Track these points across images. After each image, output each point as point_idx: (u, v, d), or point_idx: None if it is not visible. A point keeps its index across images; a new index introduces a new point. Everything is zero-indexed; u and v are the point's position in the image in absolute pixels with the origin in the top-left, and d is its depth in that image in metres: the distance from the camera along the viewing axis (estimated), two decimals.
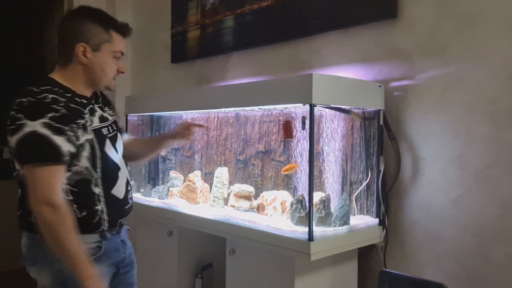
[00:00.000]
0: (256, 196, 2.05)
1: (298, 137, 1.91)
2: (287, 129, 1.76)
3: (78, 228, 1.29)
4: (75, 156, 1.28)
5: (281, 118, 2.03)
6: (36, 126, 1.21)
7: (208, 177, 2.34)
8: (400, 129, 1.83)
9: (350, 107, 1.74)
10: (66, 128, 1.25)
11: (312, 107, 1.53)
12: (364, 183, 1.84)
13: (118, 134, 1.49)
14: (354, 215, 1.84)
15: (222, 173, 2.09)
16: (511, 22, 1.55)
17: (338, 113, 1.81)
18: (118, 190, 1.40)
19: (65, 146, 1.24)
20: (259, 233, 1.69)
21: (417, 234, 1.78)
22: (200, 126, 1.81)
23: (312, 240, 1.54)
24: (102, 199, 1.35)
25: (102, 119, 1.41)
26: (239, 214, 1.92)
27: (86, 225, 1.32)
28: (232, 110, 2.17)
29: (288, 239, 1.60)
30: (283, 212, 1.86)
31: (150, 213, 2.24)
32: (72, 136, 1.26)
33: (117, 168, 1.41)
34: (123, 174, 1.44)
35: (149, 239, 2.35)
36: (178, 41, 2.84)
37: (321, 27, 2.05)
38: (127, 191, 1.44)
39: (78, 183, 1.31)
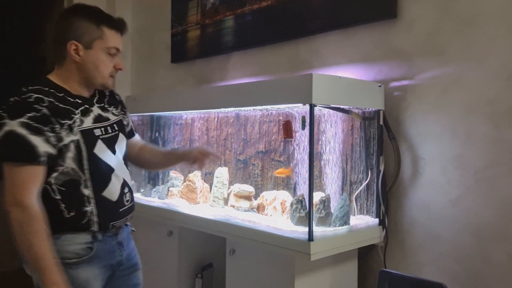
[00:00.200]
0: (256, 196, 2.05)
1: (298, 137, 1.91)
2: (287, 129, 1.75)
3: (67, 228, 1.29)
4: (59, 157, 1.27)
5: (281, 118, 2.03)
6: (14, 125, 1.20)
7: (208, 177, 2.34)
8: (400, 129, 1.83)
9: (350, 107, 1.74)
10: (45, 128, 1.23)
11: (312, 107, 1.53)
12: (364, 183, 1.84)
13: (121, 135, 1.45)
14: (354, 215, 1.84)
15: (222, 173, 2.09)
16: (510, 22, 1.55)
17: (338, 113, 1.81)
18: (111, 192, 1.36)
19: (42, 147, 1.22)
20: (259, 233, 1.70)
21: (417, 234, 1.79)
22: (217, 156, 1.68)
23: (312, 240, 1.54)
24: (92, 200, 1.32)
25: (100, 119, 1.38)
26: (239, 214, 1.92)
27: (75, 225, 1.30)
28: (232, 110, 2.18)
29: (288, 239, 1.60)
30: (283, 212, 1.86)
31: (150, 213, 2.24)
32: (51, 137, 1.24)
33: (110, 170, 1.37)
34: (118, 176, 1.39)
35: (149, 239, 2.35)
36: (178, 41, 2.84)
37: (321, 27, 2.05)
38: (122, 194, 1.40)
39: (67, 184, 1.29)
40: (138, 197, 2.40)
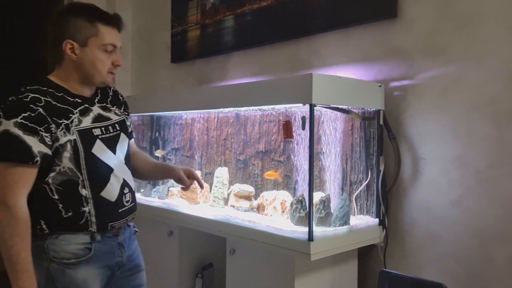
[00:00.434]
0: (256, 196, 2.05)
1: (298, 137, 1.91)
2: (287, 129, 1.75)
3: (65, 228, 1.28)
4: (55, 157, 1.26)
5: (281, 118, 2.03)
6: (9, 125, 1.20)
7: (208, 177, 2.34)
8: (400, 129, 1.82)
9: (350, 107, 1.74)
10: (40, 128, 1.22)
11: (312, 107, 1.53)
12: (364, 183, 1.84)
13: (123, 135, 1.43)
14: (354, 215, 1.84)
15: (222, 173, 2.09)
16: (511, 21, 1.55)
17: (338, 113, 1.81)
18: (109, 193, 1.35)
19: (37, 147, 1.22)
20: (259, 233, 1.69)
21: (417, 235, 1.78)
22: (201, 185, 1.62)
23: (312, 240, 1.54)
24: (90, 201, 1.31)
25: (100, 119, 1.37)
26: (239, 214, 1.91)
27: (73, 225, 1.30)
28: (232, 110, 2.17)
29: (288, 239, 1.60)
30: (283, 212, 1.86)
31: (150, 213, 2.24)
32: (46, 137, 1.23)
33: (109, 170, 1.35)
34: (118, 176, 1.38)
35: (150, 239, 2.35)
36: (178, 41, 2.83)
37: (321, 27, 2.05)
38: (122, 194, 1.38)
39: (64, 184, 1.29)
40: (138, 197, 2.40)
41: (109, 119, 1.40)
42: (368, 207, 1.85)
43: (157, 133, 2.58)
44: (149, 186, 2.49)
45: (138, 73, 3.25)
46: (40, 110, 1.23)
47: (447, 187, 1.70)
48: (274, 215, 1.88)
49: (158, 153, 2.52)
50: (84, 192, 1.31)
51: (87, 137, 1.32)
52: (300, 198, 1.73)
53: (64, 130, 1.27)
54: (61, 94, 1.31)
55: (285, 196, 1.91)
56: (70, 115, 1.30)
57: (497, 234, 1.58)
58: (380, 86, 1.78)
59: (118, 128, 1.42)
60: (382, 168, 1.80)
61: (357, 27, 1.95)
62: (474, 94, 1.63)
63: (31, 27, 4.12)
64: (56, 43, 1.33)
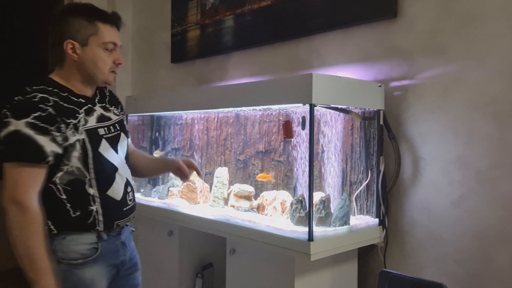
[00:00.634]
0: (256, 196, 2.05)
1: (297, 137, 1.91)
2: (287, 129, 1.75)
3: (72, 227, 1.29)
4: (64, 156, 1.27)
5: (281, 118, 2.03)
6: (20, 125, 1.20)
7: (208, 177, 2.34)
8: (400, 129, 1.82)
9: (350, 107, 1.74)
10: (51, 128, 1.23)
11: (312, 107, 1.53)
12: (364, 183, 1.84)
13: (122, 134, 1.45)
14: (354, 215, 1.84)
15: (222, 173, 2.09)
16: None
17: (338, 113, 1.80)
18: (115, 192, 1.37)
19: (49, 146, 1.22)
20: (259, 233, 1.69)
21: (418, 235, 1.78)
22: (199, 173, 1.62)
23: (312, 240, 1.53)
24: (97, 200, 1.33)
25: (102, 119, 1.39)
26: (239, 214, 1.91)
27: (80, 224, 1.31)
28: (232, 110, 2.17)
29: (288, 239, 1.59)
30: (283, 212, 1.86)
31: (150, 213, 2.24)
32: (58, 136, 1.24)
33: (114, 169, 1.38)
34: (122, 175, 1.41)
35: (150, 239, 2.35)
36: (178, 41, 2.83)
37: (321, 26, 2.05)
38: (126, 193, 1.41)
39: (72, 183, 1.29)
40: (138, 197, 2.40)
41: (110, 119, 1.42)
42: (368, 207, 1.85)
43: (157, 133, 2.58)
44: (149, 186, 2.49)
45: (138, 73, 3.25)
46: (50, 109, 1.24)
47: (448, 187, 1.70)
48: (274, 215, 1.88)
49: (157, 153, 2.52)
50: (92, 191, 1.32)
51: (94, 136, 1.33)
52: (300, 198, 1.73)
53: (72, 129, 1.28)
54: (66, 94, 1.32)
55: (285, 196, 1.91)
56: (77, 114, 1.31)
57: (498, 234, 1.57)
58: (380, 86, 1.78)
59: (118, 128, 1.44)
60: (382, 168, 1.80)
61: (357, 27, 1.94)
62: (475, 94, 1.63)
63: (31, 27, 4.12)
64: (56, 43, 1.33)
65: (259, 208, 1.97)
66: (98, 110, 1.39)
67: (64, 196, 1.29)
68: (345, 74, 1.93)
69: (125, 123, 1.51)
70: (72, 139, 1.28)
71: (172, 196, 2.27)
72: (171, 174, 2.36)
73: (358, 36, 1.95)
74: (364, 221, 1.80)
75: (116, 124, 1.44)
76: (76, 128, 1.29)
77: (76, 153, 1.29)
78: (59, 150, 1.25)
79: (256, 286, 1.78)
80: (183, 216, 2.06)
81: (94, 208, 1.32)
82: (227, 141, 2.31)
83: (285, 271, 1.66)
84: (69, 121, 1.28)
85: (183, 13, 2.78)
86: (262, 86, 1.78)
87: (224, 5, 2.50)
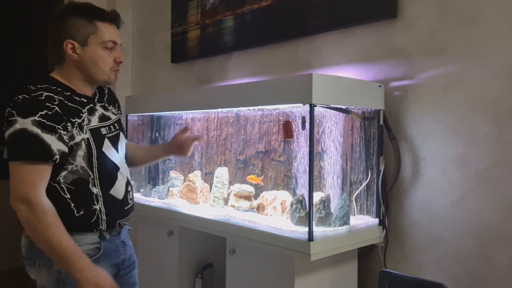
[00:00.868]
0: (256, 196, 2.05)
1: (298, 137, 1.91)
2: (287, 129, 1.75)
3: (76, 227, 1.29)
4: (69, 155, 1.27)
5: (281, 118, 2.03)
6: (26, 123, 1.20)
7: (208, 177, 2.34)
8: (400, 129, 1.82)
9: (350, 107, 1.74)
10: (58, 126, 1.23)
11: (312, 107, 1.53)
12: (364, 183, 1.84)
13: (121, 134, 1.46)
14: (354, 215, 1.84)
15: (222, 173, 2.09)
16: None
17: (338, 113, 1.80)
18: (117, 191, 1.38)
19: (56, 145, 1.23)
20: (259, 233, 1.69)
21: (418, 235, 1.78)
22: (195, 139, 1.69)
23: (312, 240, 1.53)
24: (100, 199, 1.34)
25: (103, 118, 1.39)
26: (239, 214, 1.91)
27: (84, 224, 1.31)
28: (232, 110, 2.17)
29: (288, 239, 1.59)
30: (283, 212, 1.86)
31: (150, 213, 2.24)
32: (64, 135, 1.24)
33: (116, 168, 1.39)
34: (123, 174, 1.42)
35: (150, 239, 2.35)
36: (178, 41, 2.83)
37: (321, 26, 2.05)
38: (127, 192, 1.43)
39: (75, 182, 1.30)
40: (138, 197, 2.40)
41: (109, 118, 1.43)
42: (368, 207, 1.85)
43: (157, 133, 2.58)
44: (149, 186, 2.49)
45: (138, 73, 3.25)
46: (56, 108, 1.24)
47: (448, 187, 1.70)
48: (274, 215, 1.88)
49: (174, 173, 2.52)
50: (95, 190, 1.33)
51: (97, 136, 1.34)
52: (300, 198, 1.73)
53: (78, 128, 1.29)
54: (69, 93, 1.32)
55: (285, 196, 1.91)
56: (81, 114, 1.32)
57: (498, 234, 1.57)
58: (380, 86, 1.78)
59: (117, 127, 1.45)
60: (382, 168, 1.80)
61: (357, 27, 1.94)
62: (474, 94, 1.63)
63: (31, 27, 4.12)
64: (56, 43, 1.33)
65: (259, 208, 1.97)
66: (99, 110, 1.40)
67: (68, 196, 1.29)
68: (345, 74, 1.93)
69: (121, 122, 1.52)
70: (77, 138, 1.28)
71: (172, 196, 2.27)
72: (171, 174, 2.36)
73: (358, 36, 1.95)
74: (364, 221, 1.80)
75: (115, 124, 1.45)
76: (81, 127, 1.30)
77: (81, 152, 1.29)
78: (65, 148, 1.25)
79: (256, 286, 1.78)
80: (183, 216, 2.06)
81: (97, 207, 1.33)
82: (227, 141, 2.31)
83: (285, 271, 1.66)
84: (74, 120, 1.28)
85: (183, 13, 2.78)
86: (262, 86, 1.78)
87: (224, 5, 2.50)
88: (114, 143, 1.41)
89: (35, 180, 1.22)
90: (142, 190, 2.52)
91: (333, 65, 2.03)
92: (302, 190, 1.90)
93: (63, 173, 1.28)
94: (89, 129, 1.32)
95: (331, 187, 1.87)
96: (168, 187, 2.32)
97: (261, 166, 2.14)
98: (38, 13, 4.04)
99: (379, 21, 1.87)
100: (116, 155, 1.40)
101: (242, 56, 2.46)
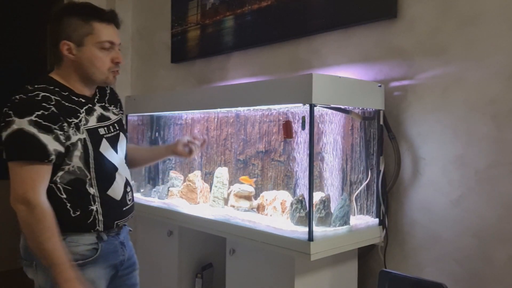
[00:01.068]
0: (256, 196, 2.05)
1: (297, 137, 1.91)
2: (287, 129, 1.75)
3: (72, 228, 1.29)
4: (66, 155, 1.27)
5: (281, 118, 2.03)
6: (23, 123, 1.20)
7: (208, 177, 2.34)
8: (400, 129, 1.82)
9: (350, 107, 1.74)
10: (54, 126, 1.23)
11: (312, 107, 1.53)
12: (364, 183, 1.84)
13: (121, 134, 1.45)
14: (354, 215, 1.84)
15: (222, 173, 2.09)
16: (511, 21, 1.55)
17: (338, 113, 1.81)
18: (115, 191, 1.37)
19: (52, 145, 1.22)
20: (259, 233, 1.69)
21: (417, 235, 1.78)
22: (200, 139, 1.66)
23: (312, 240, 1.54)
24: (97, 199, 1.33)
25: (102, 118, 1.38)
26: (239, 214, 1.91)
27: (81, 224, 1.31)
28: (232, 110, 2.17)
29: (288, 239, 1.60)
30: (283, 212, 1.86)
31: (150, 213, 2.23)
32: (60, 135, 1.24)
33: (114, 169, 1.38)
34: (122, 175, 1.41)
35: (149, 239, 2.35)
36: (178, 41, 2.84)
37: (321, 27, 2.05)
38: (125, 193, 1.41)
39: (72, 183, 1.29)
40: (138, 197, 2.40)
41: (109, 118, 1.42)
42: (368, 207, 1.85)
43: (157, 133, 2.58)
44: (149, 186, 2.49)
45: (138, 73, 3.25)
46: (53, 108, 1.24)
47: (447, 187, 1.70)
48: (274, 215, 1.88)
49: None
50: (92, 190, 1.32)
51: (94, 136, 1.33)
52: (300, 198, 1.73)
53: (74, 129, 1.28)
54: (67, 93, 1.32)
55: (285, 196, 1.91)
56: (78, 114, 1.31)
57: (497, 234, 1.58)
58: (380, 86, 1.78)
59: (117, 128, 1.44)
60: (382, 168, 1.80)
61: (357, 27, 1.95)
62: (474, 94, 1.63)
63: (31, 27, 4.12)
64: (54, 44, 1.33)
65: (259, 208, 1.97)
66: (98, 110, 1.39)
67: (64, 196, 1.29)
68: (345, 74, 1.93)
69: (123, 122, 1.51)
70: (74, 138, 1.28)
71: (172, 196, 2.27)
72: (171, 174, 2.36)
73: (358, 36, 1.95)
74: (364, 221, 1.80)
75: (115, 124, 1.44)
76: (77, 127, 1.29)
77: (77, 153, 1.29)
78: (61, 149, 1.25)
79: (256, 286, 1.78)
80: (183, 216, 2.06)
81: (94, 207, 1.32)
82: (227, 141, 2.31)
83: (285, 271, 1.66)
84: (71, 120, 1.28)
85: (183, 13, 2.78)
86: (262, 86, 1.79)
87: (224, 5, 2.50)
88: (113, 143, 1.40)
89: (34, 180, 1.22)
90: (142, 190, 2.52)
91: (333, 65, 2.03)
92: (302, 190, 1.90)
93: (60, 173, 1.28)
94: (86, 129, 1.31)
95: (331, 187, 1.87)
96: (168, 187, 2.32)
97: (261, 166, 2.14)
98: (38, 13, 4.04)
99: (379, 21, 1.87)
100: (115, 156, 1.39)
101: (242, 56, 2.46)
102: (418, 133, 1.78)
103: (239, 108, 2.09)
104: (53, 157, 1.23)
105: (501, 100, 1.57)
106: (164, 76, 3.02)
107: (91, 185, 1.32)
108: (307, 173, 1.61)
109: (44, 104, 1.23)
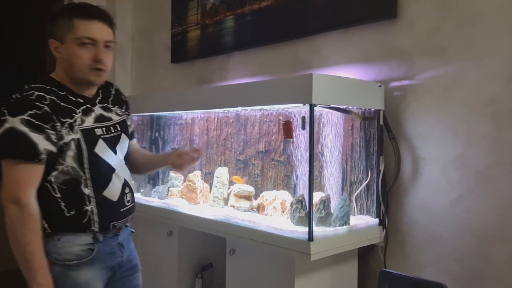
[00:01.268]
0: (256, 196, 2.05)
1: (298, 136, 1.91)
2: (287, 129, 1.75)
3: (67, 227, 1.28)
4: (59, 155, 1.26)
5: (281, 118, 2.03)
6: (15, 122, 1.20)
7: (208, 177, 2.34)
8: (400, 129, 1.82)
9: (350, 107, 1.74)
10: (46, 126, 1.22)
11: (312, 107, 1.53)
12: (364, 183, 1.84)
13: (123, 135, 1.43)
14: (354, 215, 1.84)
15: (222, 173, 2.09)
16: (511, 22, 1.55)
17: (338, 113, 1.81)
18: (111, 192, 1.35)
19: (43, 144, 1.22)
20: (259, 233, 1.69)
21: (417, 234, 1.78)
22: (195, 151, 1.57)
23: (312, 240, 1.54)
24: (92, 200, 1.31)
25: (101, 119, 1.37)
26: (239, 214, 1.91)
27: (76, 224, 1.30)
28: (232, 110, 2.17)
29: (288, 239, 1.60)
30: (283, 212, 1.86)
31: (150, 213, 2.23)
32: (52, 135, 1.23)
33: (110, 170, 1.36)
34: (119, 176, 1.38)
35: (149, 239, 2.35)
36: (178, 41, 2.83)
37: (321, 27, 2.05)
38: (123, 194, 1.39)
39: (67, 182, 1.29)
40: (138, 197, 2.40)
41: (110, 119, 1.41)
42: (368, 207, 1.85)
43: (157, 133, 2.58)
44: (149, 186, 2.49)
45: (138, 73, 3.25)
46: (46, 108, 1.23)
47: (447, 187, 1.70)
48: (274, 215, 1.88)
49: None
50: (87, 191, 1.31)
51: (90, 136, 1.32)
52: (300, 198, 1.73)
53: (68, 128, 1.27)
54: (64, 93, 1.31)
55: (285, 196, 1.91)
56: (74, 114, 1.30)
57: (497, 233, 1.58)
58: (380, 86, 1.78)
59: (119, 129, 1.42)
60: (382, 168, 1.80)
61: (357, 27, 1.95)
62: (474, 94, 1.63)
63: (31, 27, 4.12)
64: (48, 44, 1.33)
65: (259, 208, 1.97)
66: (97, 110, 1.37)
67: (58, 195, 1.28)
68: (345, 74, 1.93)
69: (128, 123, 1.49)
70: (67, 138, 1.27)
71: (172, 196, 2.27)
72: (171, 174, 2.36)
73: (358, 36, 1.95)
74: (364, 221, 1.80)
75: (117, 125, 1.42)
76: (71, 127, 1.28)
77: (71, 153, 1.28)
78: (53, 148, 1.24)
79: (256, 286, 1.78)
80: (183, 216, 2.05)
81: (89, 208, 1.31)
82: (227, 141, 2.31)
83: (285, 271, 1.66)
84: (64, 120, 1.27)
85: (183, 13, 2.78)
86: (262, 86, 1.79)
87: (225, 5, 2.50)
88: (112, 144, 1.38)
89: (26, 180, 1.21)
90: (142, 190, 2.52)
91: (333, 65, 2.03)
92: (302, 190, 1.90)
93: (54, 173, 1.27)
94: (81, 130, 1.29)
95: (331, 187, 1.87)
96: (168, 187, 2.32)
97: (261, 166, 2.14)
98: (38, 13, 4.04)
99: (379, 21, 1.87)
100: (113, 157, 1.37)
101: (242, 56, 2.46)
102: (418, 133, 1.78)
103: (239, 108, 2.09)
104: (43, 156, 1.22)
105: (501, 100, 1.57)
106: (164, 76, 3.02)
107: (86, 186, 1.31)
108: (307, 173, 1.61)
109: (37, 103, 1.23)
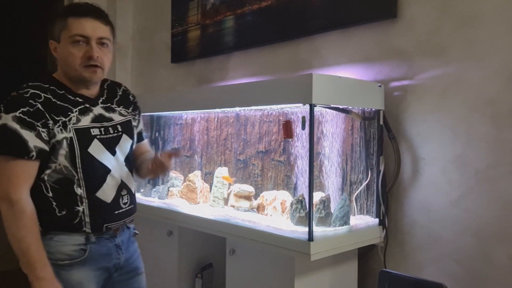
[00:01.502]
0: (256, 196, 2.05)
1: (297, 136, 1.91)
2: (287, 129, 1.75)
3: (59, 227, 1.28)
4: (51, 153, 1.26)
5: (281, 118, 2.03)
6: (8, 119, 1.21)
7: (208, 177, 2.34)
8: (400, 129, 1.82)
9: (350, 107, 1.74)
10: (37, 123, 1.22)
11: (312, 107, 1.53)
12: (364, 183, 1.84)
13: (124, 136, 1.40)
14: (354, 215, 1.84)
15: (222, 173, 2.09)
16: (511, 21, 1.55)
17: (338, 113, 1.81)
18: (105, 194, 1.33)
19: (33, 142, 1.22)
20: (259, 233, 1.69)
21: (417, 235, 1.78)
22: (175, 154, 1.50)
23: (312, 240, 1.54)
24: (84, 200, 1.30)
25: (99, 119, 1.35)
26: (239, 214, 1.91)
27: (67, 224, 1.29)
28: (232, 110, 2.17)
29: (288, 239, 1.60)
30: (283, 212, 1.86)
31: (150, 213, 2.23)
32: (43, 132, 1.23)
33: (105, 170, 1.33)
34: (115, 177, 1.36)
35: (149, 239, 2.35)
36: (178, 41, 2.84)
37: (321, 27, 2.05)
38: (118, 196, 1.36)
39: (59, 182, 1.28)
40: (138, 197, 2.39)
41: (110, 120, 1.38)
42: (368, 207, 1.85)
43: (157, 133, 2.58)
44: (149, 186, 2.49)
45: (138, 73, 3.25)
46: (39, 105, 1.24)
47: (447, 187, 1.70)
48: (274, 215, 1.88)
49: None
50: (79, 191, 1.30)
51: (84, 136, 1.30)
52: (300, 198, 1.73)
53: (61, 127, 1.27)
54: (63, 92, 1.31)
55: (285, 196, 1.91)
56: (69, 113, 1.29)
57: (497, 233, 1.58)
58: (380, 86, 1.78)
59: (120, 129, 1.40)
60: (382, 168, 1.80)
61: (357, 28, 1.95)
62: (474, 94, 1.63)
63: (31, 27, 4.12)
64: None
65: (259, 208, 1.97)
66: (97, 110, 1.36)
67: (50, 194, 1.28)
68: (345, 74, 1.93)
69: (134, 124, 1.46)
70: (59, 137, 1.26)
71: (172, 196, 2.27)
72: (171, 174, 2.36)
73: (358, 36, 1.95)
74: (364, 221, 1.80)
75: (118, 126, 1.39)
76: (65, 126, 1.27)
77: (63, 151, 1.27)
78: (44, 146, 1.24)
79: (256, 286, 1.78)
80: (183, 216, 2.05)
81: (80, 209, 1.30)
82: (227, 141, 2.31)
83: (285, 271, 1.66)
84: (58, 118, 1.26)
85: (183, 13, 2.79)
86: (262, 86, 1.79)
87: (225, 5, 2.50)
88: (110, 145, 1.36)
89: (17, 176, 1.21)
90: (142, 190, 2.52)
91: (333, 65, 2.04)
92: (302, 190, 1.90)
93: (48, 172, 1.27)
94: (75, 129, 1.28)
95: (331, 187, 1.87)
96: (168, 187, 2.32)
97: (261, 166, 2.14)
98: (38, 13, 4.04)
99: (379, 21, 1.87)
100: (110, 158, 1.35)
101: (243, 56, 2.46)
102: (418, 133, 1.78)
103: (239, 108, 2.09)
104: (33, 153, 1.22)
105: (501, 100, 1.57)
106: (164, 76, 3.02)
107: (78, 186, 1.29)
108: (307, 172, 1.61)
109: (30, 101, 1.23)
